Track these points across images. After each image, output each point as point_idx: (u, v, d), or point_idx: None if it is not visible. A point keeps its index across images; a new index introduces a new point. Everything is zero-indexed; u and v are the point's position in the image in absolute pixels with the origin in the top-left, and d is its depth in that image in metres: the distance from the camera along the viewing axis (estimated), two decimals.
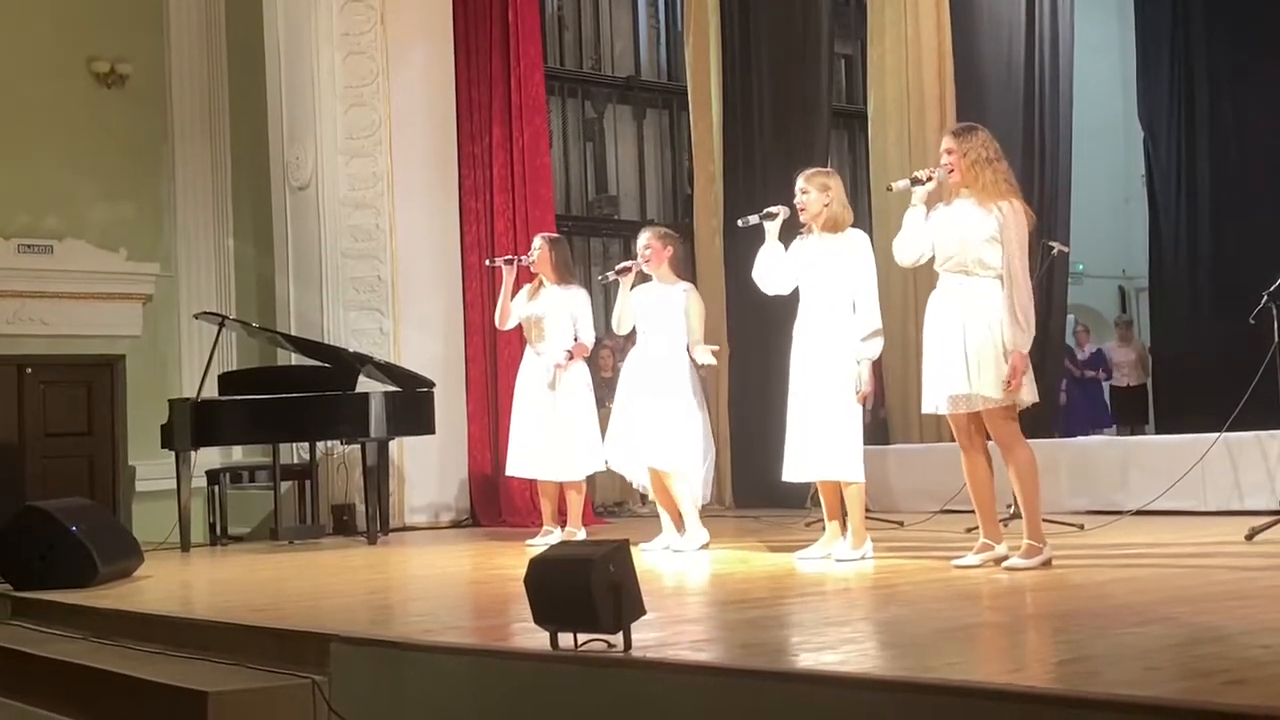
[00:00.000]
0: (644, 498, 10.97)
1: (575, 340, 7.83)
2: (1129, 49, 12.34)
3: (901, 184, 5.82)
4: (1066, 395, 13.17)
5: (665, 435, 7.03)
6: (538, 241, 8.13)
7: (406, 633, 4.48)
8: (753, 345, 10.43)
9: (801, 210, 6.24)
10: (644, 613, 3.67)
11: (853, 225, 6.33)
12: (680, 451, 7.05)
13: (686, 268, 9.08)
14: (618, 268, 7.39)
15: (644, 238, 7.37)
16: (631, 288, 7.29)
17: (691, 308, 7.20)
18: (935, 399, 5.58)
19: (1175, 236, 11.10)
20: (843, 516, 6.28)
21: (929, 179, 5.64)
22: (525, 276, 8.21)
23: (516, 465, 8.04)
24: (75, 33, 11.62)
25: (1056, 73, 10.33)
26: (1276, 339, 6.30)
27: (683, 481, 7.07)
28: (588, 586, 3.53)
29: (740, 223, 6.56)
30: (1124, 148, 14.82)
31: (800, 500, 9.08)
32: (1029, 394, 5.40)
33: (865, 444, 6.30)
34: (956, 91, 10.21)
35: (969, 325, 5.41)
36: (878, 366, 10.08)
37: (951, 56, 10.31)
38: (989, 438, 5.57)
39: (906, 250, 5.74)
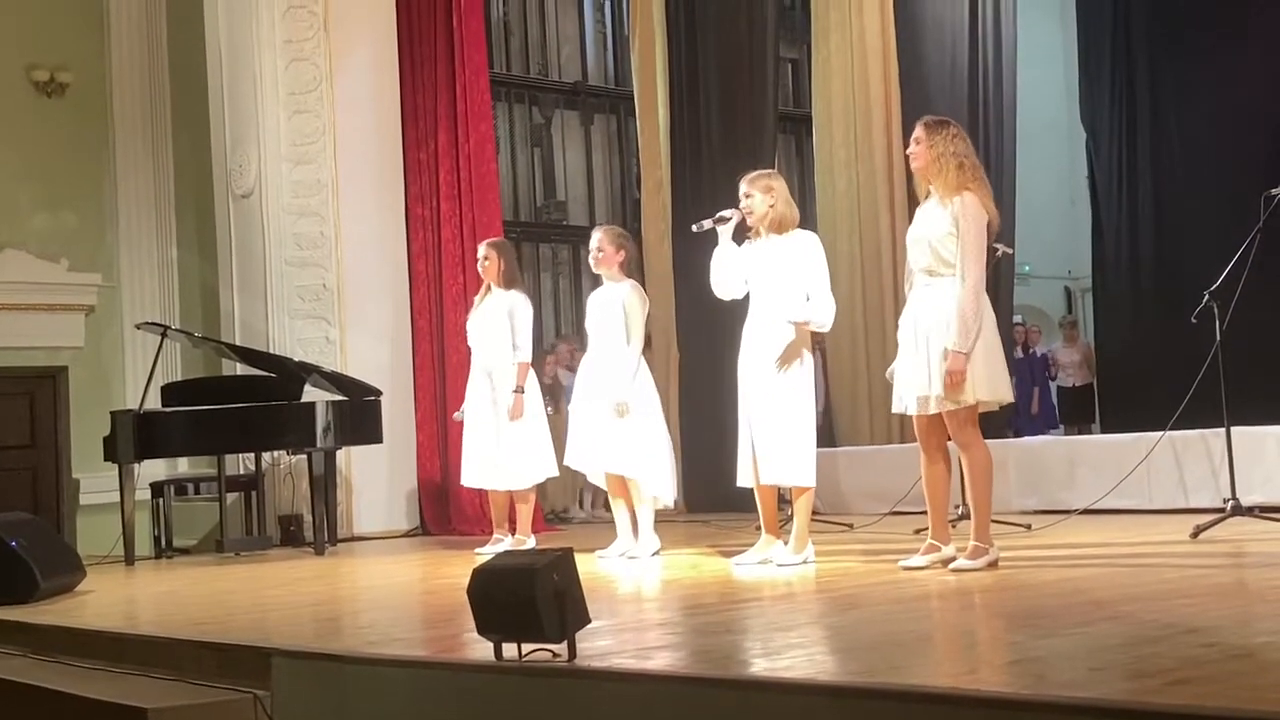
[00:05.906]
0: (592, 503, 10.99)
1: (514, 347, 7.81)
2: (1072, 52, 12.42)
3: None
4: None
5: (626, 440, 6.97)
6: (483, 250, 8.10)
7: (350, 645, 4.42)
8: (703, 349, 10.43)
9: (747, 214, 6.22)
10: (589, 621, 3.63)
11: (800, 226, 6.31)
12: (642, 456, 7.00)
13: (636, 272, 9.05)
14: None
15: (596, 237, 7.29)
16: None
17: (630, 303, 7.09)
18: (904, 400, 5.60)
19: (1118, 237, 11.18)
20: (782, 520, 6.26)
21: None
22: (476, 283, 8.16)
23: (469, 476, 8.07)
24: (14, 41, 11.48)
25: (1000, 75, 10.40)
26: (1218, 337, 6.35)
27: (643, 488, 7.03)
28: (532, 596, 3.49)
29: (695, 228, 6.45)
30: (1068, 150, 14.92)
31: (751, 503, 9.04)
32: (986, 392, 5.38)
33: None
34: (901, 94, 10.28)
35: (933, 327, 5.41)
36: (823, 370, 10.12)
37: (896, 59, 10.39)
38: (950, 439, 5.58)
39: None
